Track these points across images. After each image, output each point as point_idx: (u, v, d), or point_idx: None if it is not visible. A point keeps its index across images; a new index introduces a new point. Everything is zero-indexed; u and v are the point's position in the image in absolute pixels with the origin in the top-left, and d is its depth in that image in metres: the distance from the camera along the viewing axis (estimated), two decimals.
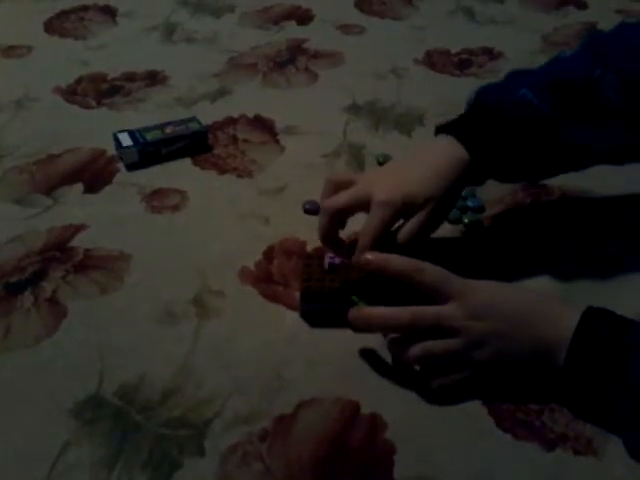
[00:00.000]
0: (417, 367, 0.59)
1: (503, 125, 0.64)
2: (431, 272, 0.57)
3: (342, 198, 0.63)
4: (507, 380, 0.57)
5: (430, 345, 0.56)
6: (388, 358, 0.60)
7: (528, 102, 0.64)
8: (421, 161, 0.65)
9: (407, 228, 0.62)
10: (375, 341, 0.61)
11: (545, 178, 0.74)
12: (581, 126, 0.65)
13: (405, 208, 0.61)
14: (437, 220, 0.65)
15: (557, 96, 0.65)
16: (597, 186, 0.82)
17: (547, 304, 0.57)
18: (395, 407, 0.57)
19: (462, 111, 0.69)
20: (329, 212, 0.63)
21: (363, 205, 0.62)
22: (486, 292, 0.58)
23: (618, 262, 0.72)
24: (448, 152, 0.64)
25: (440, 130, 0.67)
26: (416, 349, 0.56)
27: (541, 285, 0.68)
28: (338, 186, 0.65)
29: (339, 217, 0.64)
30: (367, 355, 0.61)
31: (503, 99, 0.65)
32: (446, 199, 0.63)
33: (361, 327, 0.59)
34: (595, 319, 0.54)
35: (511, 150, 0.65)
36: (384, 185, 0.62)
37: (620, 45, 0.67)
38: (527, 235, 0.75)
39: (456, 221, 0.77)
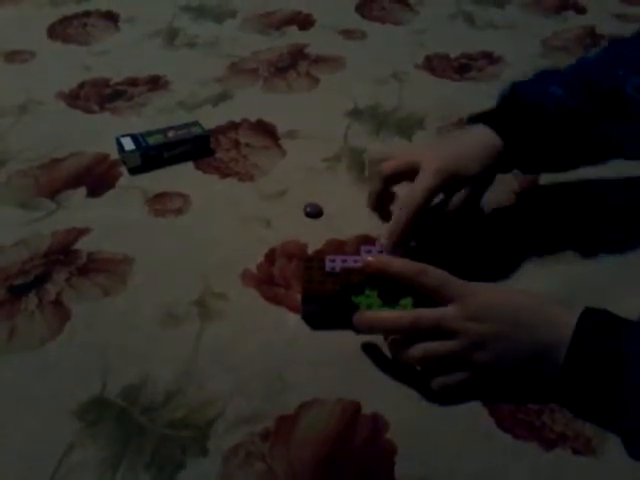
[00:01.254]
0: (418, 368, 0.60)
1: (534, 118, 0.68)
2: (432, 274, 0.58)
3: (393, 163, 0.68)
4: (507, 380, 0.57)
5: (431, 346, 0.56)
6: (389, 359, 0.61)
7: (558, 97, 0.68)
8: (464, 143, 0.69)
9: (455, 200, 0.67)
10: (376, 342, 0.62)
11: (568, 169, 0.75)
12: (604, 121, 0.69)
13: (452, 180, 0.66)
14: (479, 197, 0.70)
15: (584, 93, 0.69)
16: (597, 187, 0.83)
17: (546, 305, 0.58)
18: (396, 407, 0.57)
19: (461, 114, 0.74)
20: (382, 176, 0.68)
21: (414, 170, 0.66)
22: (486, 294, 0.58)
23: (618, 262, 0.72)
24: (486, 139, 0.68)
25: (475, 120, 0.71)
26: (417, 350, 0.57)
27: (541, 285, 0.69)
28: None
29: (390, 183, 0.69)
30: (368, 356, 0.62)
31: (535, 94, 0.70)
32: (487, 179, 0.69)
33: (364, 330, 0.60)
34: (594, 318, 0.54)
35: (540, 141, 0.69)
36: (434, 154, 0.67)
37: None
38: (527, 237, 0.76)
39: None
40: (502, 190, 0.82)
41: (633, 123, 0.69)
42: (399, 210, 0.65)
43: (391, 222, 0.66)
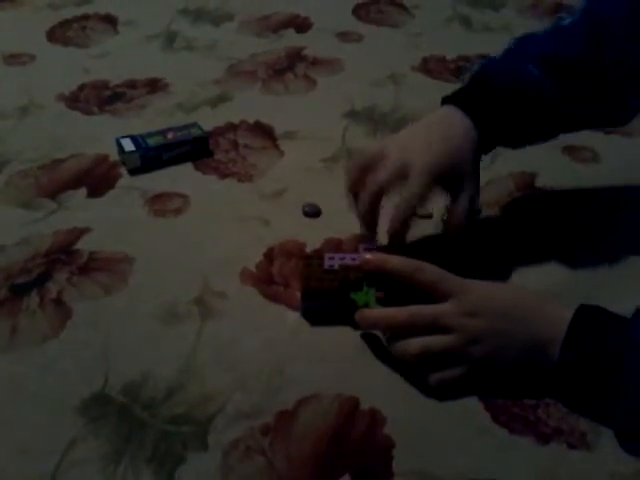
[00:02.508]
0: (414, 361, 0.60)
1: (512, 104, 0.67)
2: (429, 271, 0.59)
3: (381, 174, 0.65)
4: (503, 376, 0.58)
5: (428, 342, 0.57)
6: (387, 355, 0.61)
7: (534, 79, 0.67)
8: (443, 136, 0.67)
9: (457, 211, 0.66)
10: (374, 338, 0.63)
11: (547, 140, 0.75)
12: (583, 102, 0.68)
13: (442, 178, 0.65)
14: (477, 193, 0.68)
15: (561, 74, 0.67)
16: (594, 185, 0.84)
17: (542, 302, 0.59)
18: (394, 403, 0.58)
19: None
20: (373, 190, 0.65)
21: (404, 176, 0.64)
22: (483, 290, 0.59)
23: (615, 261, 0.73)
24: (463, 127, 0.67)
25: (448, 101, 0.70)
26: (414, 346, 0.57)
27: (538, 284, 0.69)
28: (365, 169, 0.67)
29: (381, 194, 0.65)
30: (366, 352, 0.62)
31: (511, 77, 0.68)
32: (476, 173, 0.68)
33: (364, 327, 0.62)
34: (588, 315, 0.55)
35: (518, 124, 0.68)
36: (419, 154, 0.64)
37: (618, 19, 0.67)
38: (524, 235, 0.77)
39: None
40: (498, 190, 0.83)
41: (608, 100, 0.69)
42: (396, 211, 0.65)
43: (390, 223, 0.66)
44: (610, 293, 0.67)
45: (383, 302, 0.61)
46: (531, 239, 0.76)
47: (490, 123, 0.67)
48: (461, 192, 0.66)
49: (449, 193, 0.68)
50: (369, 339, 0.63)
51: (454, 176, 0.66)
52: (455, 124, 0.67)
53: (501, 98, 0.67)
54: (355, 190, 0.68)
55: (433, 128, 0.68)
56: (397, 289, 0.60)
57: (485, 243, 0.75)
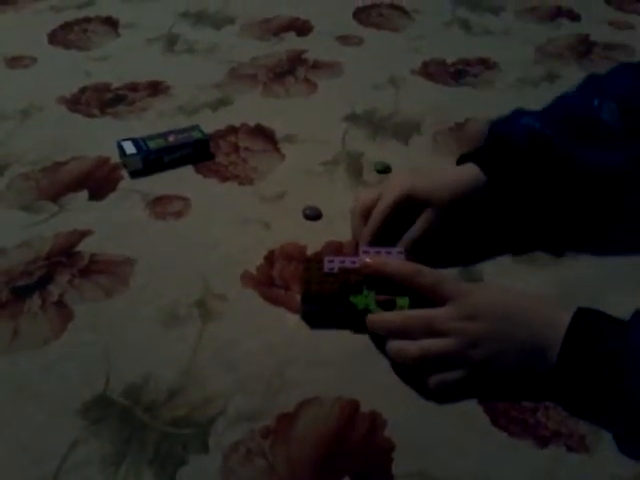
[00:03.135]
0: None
1: (510, 148, 0.70)
2: (428, 274, 0.59)
3: (370, 194, 0.71)
4: (503, 379, 0.58)
5: (427, 345, 0.58)
6: (387, 358, 0.62)
7: (531, 127, 0.70)
8: (440, 173, 0.73)
9: (411, 231, 0.70)
10: (375, 340, 0.63)
11: (556, 207, 0.75)
12: (580, 147, 0.69)
13: (406, 200, 0.68)
14: (442, 223, 0.69)
15: (558, 121, 0.70)
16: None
17: (542, 305, 0.59)
18: (394, 405, 0.58)
19: (457, 119, 0.83)
20: (358, 208, 0.72)
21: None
22: (481, 293, 0.60)
23: (616, 262, 0.73)
24: (466, 171, 0.71)
25: (461, 160, 0.74)
26: (413, 349, 0.58)
27: (537, 286, 0.70)
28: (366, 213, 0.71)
29: (367, 210, 0.71)
30: (366, 355, 0.63)
31: (509, 127, 0.72)
32: (453, 206, 0.69)
33: (370, 330, 0.62)
34: (586, 318, 0.56)
35: (520, 172, 0.70)
36: (399, 175, 0.74)
37: (616, 77, 0.74)
38: (523, 235, 0.77)
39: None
40: None
41: (612, 149, 0.69)
42: (370, 219, 0.70)
43: (364, 229, 0.70)
44: (610, 294, 0.67)
45: (386, 306, 0.61)
46: (530, 239, 0.76)
47: (493, 168, 0.70)
48: (424, 220, 0.69)
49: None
50: (369, 341, 0.63)
51: (427, 201, 0.69)
52: (466, 169, 0.71)
53: (501, 146, 0.71)
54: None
55: (434, 170, 0.76)
56: (396, 292, 0.61)
57: (483, 243, 0.75)
